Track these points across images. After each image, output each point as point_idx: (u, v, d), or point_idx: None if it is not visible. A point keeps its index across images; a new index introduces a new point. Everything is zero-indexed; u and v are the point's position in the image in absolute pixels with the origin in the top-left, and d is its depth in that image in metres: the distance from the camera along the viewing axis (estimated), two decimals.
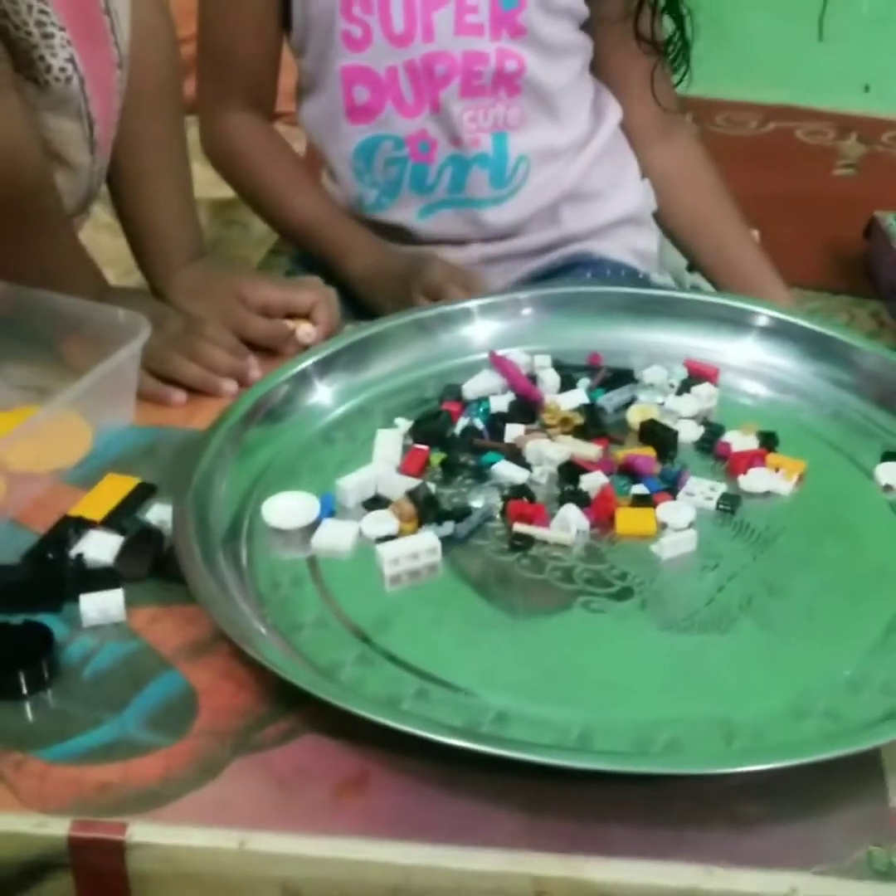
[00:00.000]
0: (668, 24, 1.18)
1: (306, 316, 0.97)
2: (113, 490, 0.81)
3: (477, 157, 1.13)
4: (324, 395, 0.88)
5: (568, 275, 1.16)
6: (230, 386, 0.92)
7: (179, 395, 0.91)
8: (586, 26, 1.15)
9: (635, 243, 1.21)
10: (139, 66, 1.00)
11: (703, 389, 0.88)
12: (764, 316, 0.92)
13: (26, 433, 0.79)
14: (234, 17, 1.13)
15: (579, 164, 1.17)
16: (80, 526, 0.77)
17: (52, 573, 0.73)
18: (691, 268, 1.68)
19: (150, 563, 0.75)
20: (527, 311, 0.95)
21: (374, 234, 1.15)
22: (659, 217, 1.24)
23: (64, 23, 0.91)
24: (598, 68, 1.19)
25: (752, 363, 0.91)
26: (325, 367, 0.88)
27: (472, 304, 0.95)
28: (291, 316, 0.97)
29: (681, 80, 1.19)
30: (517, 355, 0.91)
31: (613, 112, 1.20)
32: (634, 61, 1.17)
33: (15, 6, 0.89)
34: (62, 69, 0.92)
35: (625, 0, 1.13)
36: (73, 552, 0.75)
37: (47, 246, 0.94)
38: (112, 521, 0.78)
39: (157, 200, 1.03)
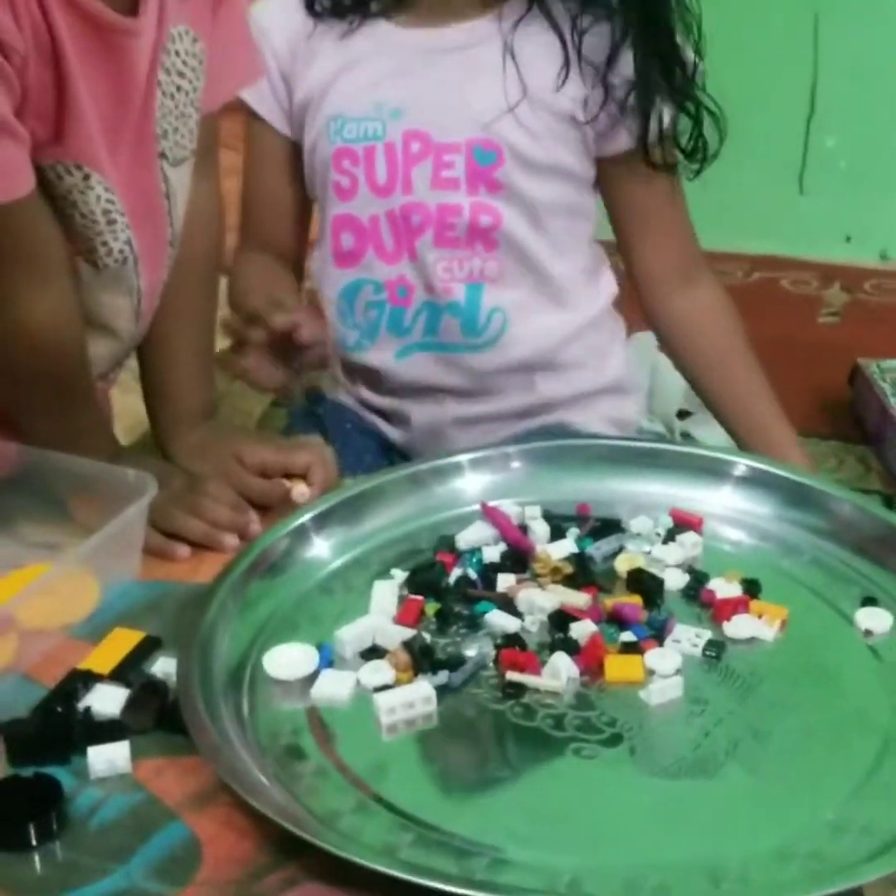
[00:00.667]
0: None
1: (303, 476, 1.01)
2: (120, 644, 0.84)
3: (449, 305, 1.18)
4: (321, 548, 0.91)
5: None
6: (232, 540, 0.95)
7: (183, 550, 0.95)
8: (588, 185, 1.19)
9: (614, 412, 1.24)
10: (188, 246, 1.06)
11: (688, 538, 0.91)
12: (742, 465, 0.96)
13: (38, 591, 0.82)
14: (262, 182, 1.24)
15: (562, 331, 1.21)
16: (89, 679, 0.80)
17: (61, 727, 0.75)
18: (681, 415, 1.73)
19: (156, 716, 0.77)
20: (516, 463, 0.99)
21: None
22: (675, 359, 1.26)
23: (126, 208, 0.97)
24: (616, 217, 1.22)
25: (734, 511, 0.95)
26: (322, 521, 0.92)
27: (463, 457, 0.99)
28: (289, 475, 1.01)
29: (700, 171, 1.19)
30: (508, 506, 0.95)
31: (608, 286, 1.24)
32: (654, 201, 1.19)
33: (84, 196, 0.94)
34: (120, 251, 0.98)
35: (629, 129, 1.15)
36: (81, 705, 0.78)
37: (72, 418, 1.00)
38: (119, 675, 0.81)
39: (177, 366, 1.09)
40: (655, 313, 1.24)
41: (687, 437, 1.66)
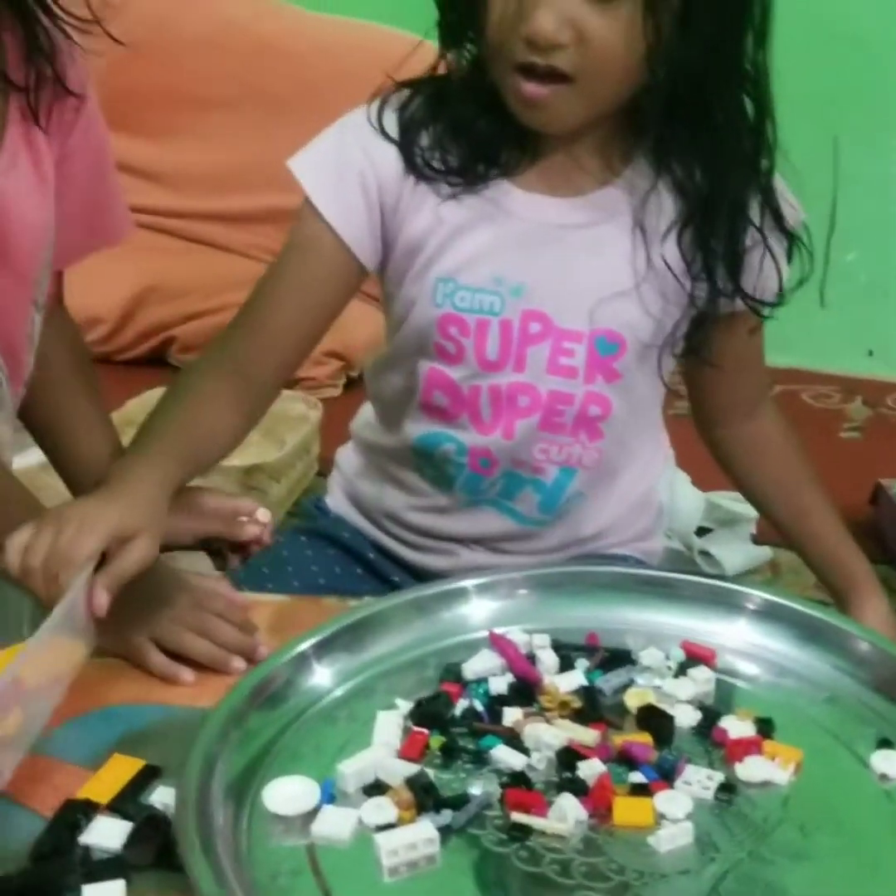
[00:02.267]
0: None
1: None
2: (119, 772, 0.82)
3: (534, 481, 1.13)
4: (323, 675, 0.89)
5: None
6: (239, 664, 0.93)
7: (188, 675, 0.93)
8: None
9: (643, 544, 1.22)
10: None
11: (700, 673, 0.89)
12: (758, 598, 0.95)
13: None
14: (301, 290, 1.08)
15: (625, 505, 1.19)
16: (88, 810, 0.78)
17: (57, 869, 0.73)
18: (700, 532, 1.72)
19: (155, 851, 0.75)
20: (523, 590, 0.98)
21: None
22: (738, 483, 1.23)
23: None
24: (688, 362, 1.15)
25: (749, 645, 0.93)
26: (324, 648, 0.90)
27: (470, 583, 0.98)
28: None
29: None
30: (516, 634, 0.93)
31: (666, 441, 1.24)
32: (737, 341, 1.13)
33: None
34: None
35: (722, 280, 1.07)
36: (81, 839, 0.76)
37: None
38: (118, 805, 0.79)
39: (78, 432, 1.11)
40: (720, 440, 1.21)
41: (705, 555, 1.65)
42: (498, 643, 0.92)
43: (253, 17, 2.58)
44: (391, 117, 1.07)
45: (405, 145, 1.06)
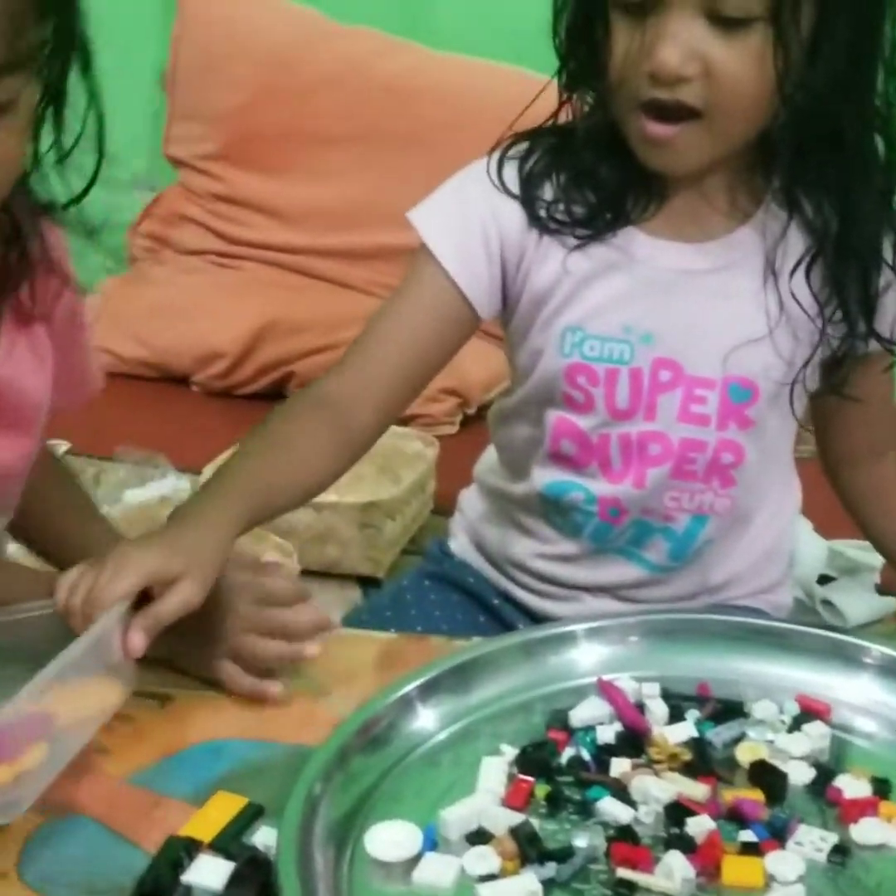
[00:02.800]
0: None
1: None
2: (222, 809, 0.82)
3: (663, 528, 1.11)
4: (427, 718, 0.88)
5: None
6: (312, 650, 0.93)
7: (275, 688, 0.92)
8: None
9: (771, 597, 1.19)
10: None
11: (815, 728, 0.87)
12: (879, 652, 0.91)
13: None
14: (414, 339, 1.07)
15: (756, 553, 1.17)
16: (191, 848, 0.78)
17: None
18: (822, 579, 1.68)
19: (256, 893, 0.75)
20: (634, 636, 0.96)
21: None
22: (864, 528, 1.20)
23: None
24: (820, 401, 1.12)
25: (867, 700, 0.90)
26: (429, 690, 0.89)
27: (579, 627, 0.96)
28: None
29: None
30: (625, 682, 0.92)
31: (798, 489, 1.20)
32: (868, 384, 1.10)
33: None
34: None
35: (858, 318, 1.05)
36: (183, 878, 0.76)
37: None
38: (221, 844, 0.79)
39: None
40: (848, 483, 1.18)
41: (827, 604, 1.61)
42: (606, 690, 0.90)
43: (375, 55, 2.60)
44: (511, 171, 1.06)
45: (527, 200, 1.05)
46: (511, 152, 1.06)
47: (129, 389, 2.55)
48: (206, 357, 2.51)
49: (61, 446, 2.28)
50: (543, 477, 1.12)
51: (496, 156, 1.06)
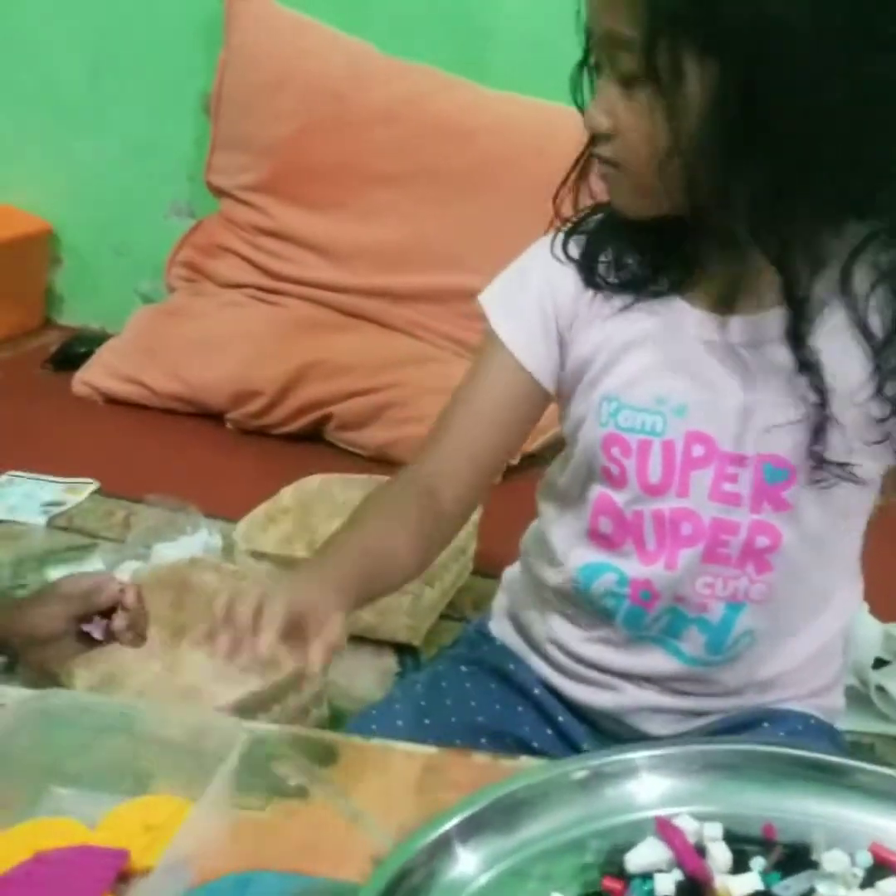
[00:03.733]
0: None
1: None
2: None
3: (699, 619, 1.07)
4: (469, 862, 0.81)
5: (744, 730, 1.09)
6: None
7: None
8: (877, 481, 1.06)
9: (823, 702, 1.13)
10: None
11: (890, 885, 0.80)
12: None
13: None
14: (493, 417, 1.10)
15: (808, 651, 1.11)
16: None
17: None
18: (877, 663, 1.61)
19: None
20: (697, 767, 0.89)
21: None
22: None
23: None
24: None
25: None
26: (470, 829, 0.82)
27: (639, 755, 0.90)
28: None
29: None
30: (686, 820, 0.85)
31: (861, 582, 1.15)
32: None
33: None
34: None
35: None
36: None
37: None
38: None
39: None
40: None
41: (881, 691, 1.54)
42: (665, 832, 0.84)
43: (428, 93, 2.55)
44: (572, 241, 1.08)
45: (585, 263, 1.07)
46: (573, 223, 1.09)
47: (162, 425, 2.53)
48: (243, 394, 2.47)
49: (90, 485, 2.24)
50: (580, 558, 1.11)
51: (556, 228, 1.09)
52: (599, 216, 1.07)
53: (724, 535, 1.04)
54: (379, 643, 1.75)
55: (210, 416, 2.53)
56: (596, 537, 1.09)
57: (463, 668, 1.19)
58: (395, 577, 1.04)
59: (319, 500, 1.93)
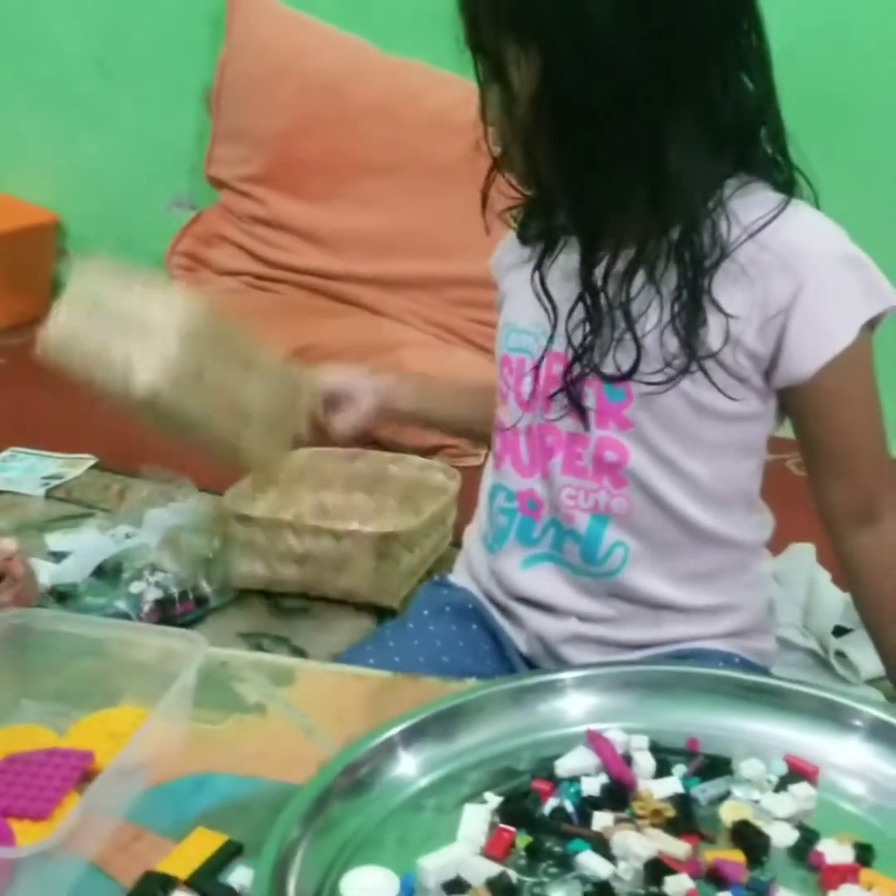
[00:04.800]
0: None
1: None
2: (200, 846, 0.82)
3: (570, 531, 1.16)
4: (410, 764, 0.88)
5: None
6: None
7: None
8: (758, 419, 1.12)
9: (750, 645, 1.19)
10: None
11: (801, 789, 0.85)
12: (870, 715, 0.90)
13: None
14: None
15: (692, 579, 1.16)
16: (167, 885, 0.78)
17: None
18: (837, 631, 1.65)
19: None
20: (626, 686, 0.95)
21: None
22: (855, 602, 1.18)
23: None
24: (799, 447, 1.14)
25: (857, 765, 0.88)
26: (413, 735, 0.88)
27: (569, 675, 0.96)
28: None
29: None
30: (615, 733, 0.91)
31: (760, 529, 1.19)
32: (829, 436, 1.11)
33: None
34: None
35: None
36: None
37: None
38: (197, 882, 0.79)
39: None
40: (836, 550, 1.16)
41: (841, 656, 1.59)
42: (595, 741, 0.90)
43: (424, 88, 2.61)
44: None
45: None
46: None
47: None
48: None
49: (87, 461, 2.30)
50: (487, 484, 1.24)
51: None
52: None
53: (578, 447, 1.13)
54: (358, 606, 1.81)
55: None
56: (494, 459, 1.22)
57: (425, 612, 1.26)
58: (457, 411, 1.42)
59: (306, 472, 2.00)
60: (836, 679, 1.60)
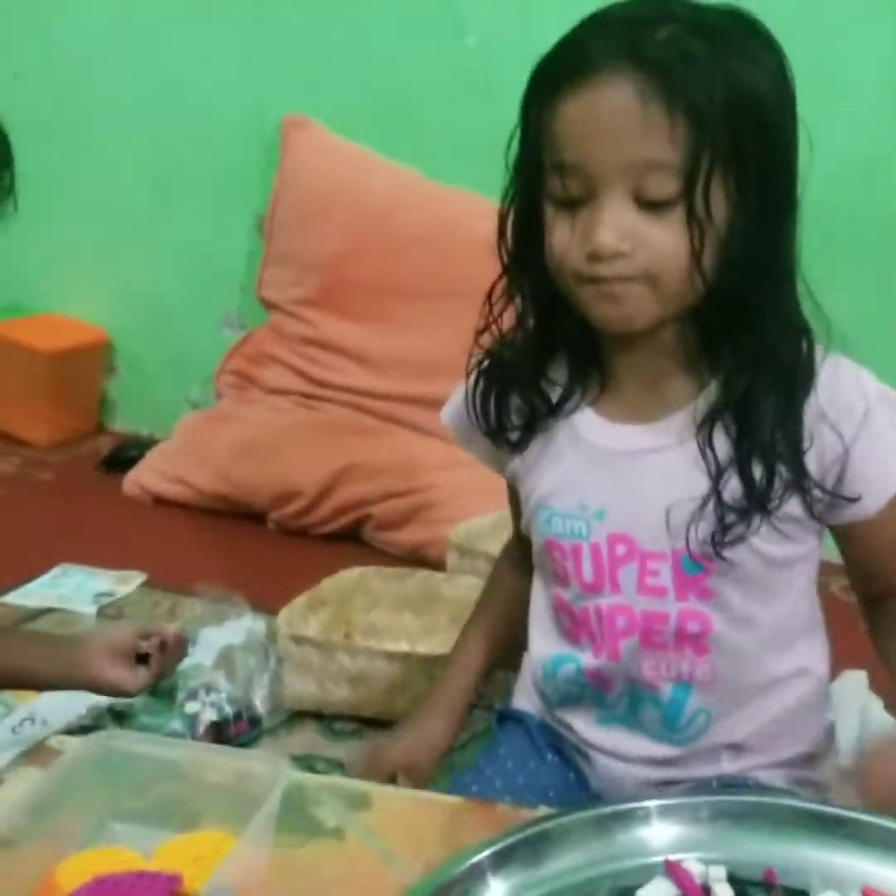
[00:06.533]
0: None
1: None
2: None
3: (651, 697, 1.15)
4: (498, 890, 0.88)
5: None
6: None
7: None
8: (810, 539, 1.12)
9: (808, 776, 1.19)
10: None
11: None
12: None
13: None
14: None
15: (761, 721, 1.16)
16: None
17: None
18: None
19: None
20: (704, 816, 0.96)
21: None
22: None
23: None
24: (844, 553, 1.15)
25: None
26: (500, 860, 0.89)
27: (650, 804, 0.97)
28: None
29: None
30: (692, 863, 0.92)
31: (820, 655, 1.20)
32: (885, 533, 1.12)
33: None
34: None
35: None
36: None
37: None
38: None
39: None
40: (871, 626, 1.18)
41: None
42: (674, 872, 0.91)
43: (470, 216, 2.67)
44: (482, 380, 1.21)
45: (494, 431, 1.20)
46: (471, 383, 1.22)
47: (206, 523, 2.63)
48: (285, 495, 2.57)
49: (138, 578, 2.33)
50: (546, 649, 1.20)
51: (469, 392, 1.22)
52: (495, 369, 1.19)
53: (657, 624, 1.12)
54: None
55: (253, 516, 2.63)
56: (558, 629, 1.19)
57: (501, 752, 1.26)
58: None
59: (358, 592, 2.02)
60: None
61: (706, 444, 1.07)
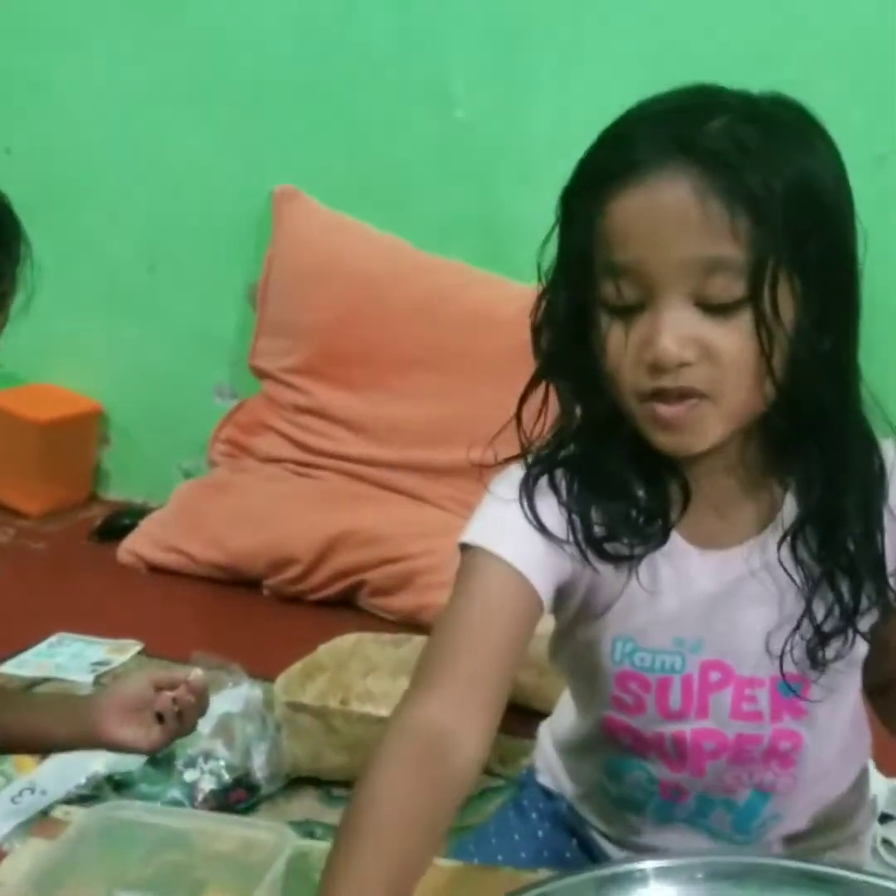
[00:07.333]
0: None
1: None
2: None
3: (725, 801, 1.13)
4: None
5: None
6: None
7: None
8: None
9: (845, 857, 1.19)
10: None
11: None
12: None
13: None
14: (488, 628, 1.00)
15: (813, 812, 1.16)
16: None
17: None
18: (883, 818, 1.66)
19: None
20: (700, 876, 0.97)
21: None
22: None
23: None
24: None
25: None
26: None
27: (649, 865, 0.98)
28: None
29: None
30: None
31: (865, 747, 1.20)
32: None
33: None
34: None
35: None
36: None
37: None
38: None
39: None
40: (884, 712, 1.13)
41: (888, 844, 1.60)
42: None
43: (463, 286, 2.73)
44: (547, 506, 1.03)
45: (578, 541, 1.03)
46: (539, 487, 1.04)
47: (202, 591, 2.65)
48: (280, 562, 2.59)
49: (134, 647, 2.35)
50: (603, 753, 1.15)
51: (524, 496, 1.04)
52: (565, 483, 1.04)
53: (748, 745, 1.09)
54: None
55: (248, 584, 2.65)
56: (616, 744, 1.12)
57: (511, 815, 1.26)
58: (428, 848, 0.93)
59: (354, 658, 2.03)
60: (883, 866, 1.61)
61: (795, 563, 1.03)
